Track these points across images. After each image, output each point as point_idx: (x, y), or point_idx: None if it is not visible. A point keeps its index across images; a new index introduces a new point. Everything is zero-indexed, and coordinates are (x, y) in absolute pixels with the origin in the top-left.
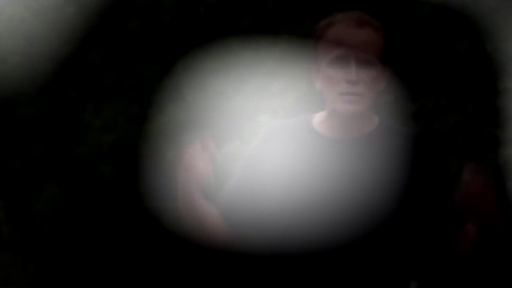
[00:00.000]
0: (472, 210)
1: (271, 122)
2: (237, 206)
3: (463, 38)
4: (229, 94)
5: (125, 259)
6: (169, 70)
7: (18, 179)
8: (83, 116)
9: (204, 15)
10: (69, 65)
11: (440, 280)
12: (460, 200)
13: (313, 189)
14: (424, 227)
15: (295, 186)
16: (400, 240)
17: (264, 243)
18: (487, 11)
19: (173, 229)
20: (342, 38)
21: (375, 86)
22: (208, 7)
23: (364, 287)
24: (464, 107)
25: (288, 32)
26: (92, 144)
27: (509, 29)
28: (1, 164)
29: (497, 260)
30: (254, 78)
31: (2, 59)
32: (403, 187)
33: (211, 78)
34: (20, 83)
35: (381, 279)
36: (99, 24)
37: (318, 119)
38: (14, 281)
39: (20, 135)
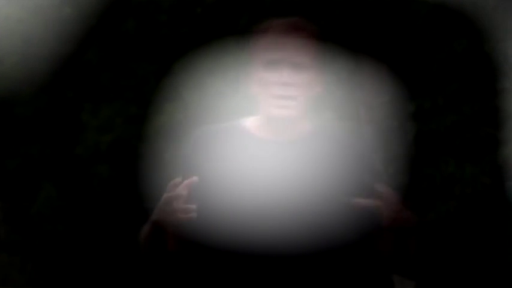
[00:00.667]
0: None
1: (201, 127)
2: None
3: (460, 38)
4: (226, 94)
5: (121, 259)
6: (167, 70)
7: (16, 179)
8: (80, 116)
9: (201, 16)
10: (67, 65)
11: (438, 280)
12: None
13: (249, 191)
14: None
15: (231, 189)
16: (340, 238)
17: (208, 246)
18: (484, 11)
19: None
20: (276, 43)
21: (308, 89)
22: (205, 7)
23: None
24: (462, 107)
25: None
26: (89, 144)
27: (507, 29)
28: None
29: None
30: None
31: (0, 59)
32: (336, 187)
33: (208, 78)
34: (17, 83)
35: (325, 277)
36: (96, 24)
37: (252, 122)
38: (12, 280)
39: (18, 135)
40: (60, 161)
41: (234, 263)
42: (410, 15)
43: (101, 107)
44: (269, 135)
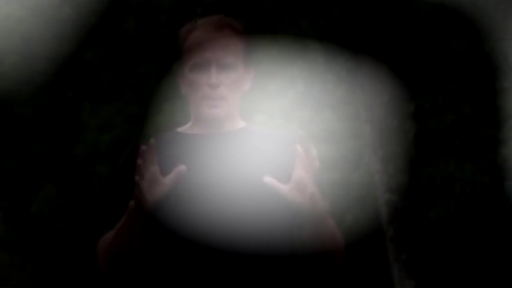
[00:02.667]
0: None
1: (132, 143)
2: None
3: (460, 38)
4: None
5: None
6: (167, 70)
7: (16, 179)
8: (80, 116)
9: (201, 15)
10: (67, 65)
11: (438, 279)
12: None
13: (182, 185)
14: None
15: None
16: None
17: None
18: (484, 11)
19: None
20: (201, 43)
21: (237, 88)
22: (205, 7)
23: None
24: (461, 106)
25: (284, 32)
26: (89, 144)
27: (506, 28)
28: None
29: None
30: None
31: None
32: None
33: None
34: (17, 82)
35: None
36: (96, 24)
37: (183, 126)
38: (12, 280)
39: (17, 135)
40: (60, 161)
41: (179, 255)
42: (410, 15)
43: (101, 107)
44: (199, 131)
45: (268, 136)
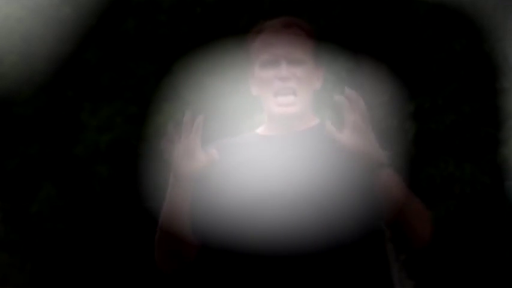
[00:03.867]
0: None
1: (214, 142)
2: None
3: (460, 38)
4: (226, 94)
5: (121, 258)
6: (167, 70)
7: (15, 179)
8: (79, 116)
9: (201, 16)
10: (66, 65)
11: (437, 279)
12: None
13: (256, 187)
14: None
15: (239, 187)
16: (353, 231)
17: (227, 244)
18: (484, 10)
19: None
20: (271, 42)
21: (308, 83)
22: (205, 7)
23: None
24: (461, 106)
25: None
26: (88, 144)
27: (506, 28)
28: None
29: None
30: None
31: None
32: (340, 180)
33: (208, 78)
34: (17, 82)
35: (333, 275)
36: (96, 24)
37: (262, 127)
38: (12, 280)
39: (17, 134)
40: (60, 161)
41: (246, 261)
42: (409, 14)
43: (101, 107)
44: (274, 131)
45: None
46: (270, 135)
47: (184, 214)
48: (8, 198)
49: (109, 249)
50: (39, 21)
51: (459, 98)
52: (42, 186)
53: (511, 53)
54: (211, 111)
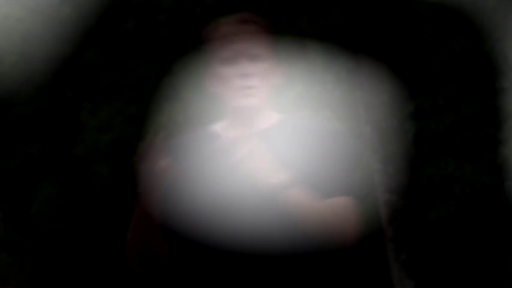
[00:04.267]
0: None
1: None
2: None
3: (460, 38)
4: None
5: (121, 258)
6: (167, 70)
7: (15, 179)
8: (79, 116)
9: (200, 16)
10: (66, 65)
11: (437, 279)
12: None
13: (221, 190)
14: None
15: (203, 191)
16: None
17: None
18: (484, 10)
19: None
20: (229, 38)
21: (268, 79)
22: (205, 7)
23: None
24: (461, 106)
25: (284, 32)
26: (88, 144)
27: (506, 28)
28: None
29: None
30: None
31: None
32: (307, 174)
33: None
34: (16, 82)
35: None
36: (96, 24)
37: (219, 124)
38: (12, 280)
39: (17, 134)
40: (60, 161)
41: (213, 258)
42: (409, 14)
43: (101, 107)
44: (234, 131)
45: (303, 129)
46: (230, 136)
47: (156, 214)
48: (8, 198)
49: (109, 249)
50: (39, 21)
51: (459, 98)
52: (42, 186)
53: (511, 53)
54: (210, 111)
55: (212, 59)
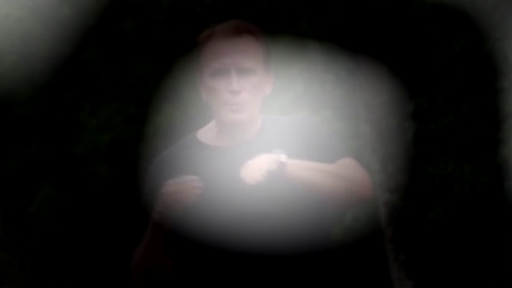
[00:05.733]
0: None
1: (155, 158)
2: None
3: (459, 38)
4: None
5: (120, 258)
6: (166, 70)
7: (14, 179)
8: (79, 116)
9: (200, 16)
10: (66, 65)
11: (437, 279)
12: None
13: (213, 200)
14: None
15: (198, 201)
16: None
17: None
18: (483, 10)
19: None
20: (220, 49)
21: (258, 92)
22: (204, 7)
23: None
24: (460, 106)
25: (283, 32)
26: (88, 144)
27: (505, 28)
28: None
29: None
30: None
31: None
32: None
33: None
34: (16, 82)
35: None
36: (95, 24)
37: (204, 132)
38: (11, 280)
39: (16, 135)
40: (59, 161)
41: (217, 266)
42: (409, 14)
43: (100, 107)
44: (221, 141)
45: (286, 131)
46: (217, 146)
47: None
48: (7, 198)
49: (108, 249)
50: (38, 21)
51: (458, 98)
52: (41, 186)
53: (510, 53)
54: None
55: (203, 68)
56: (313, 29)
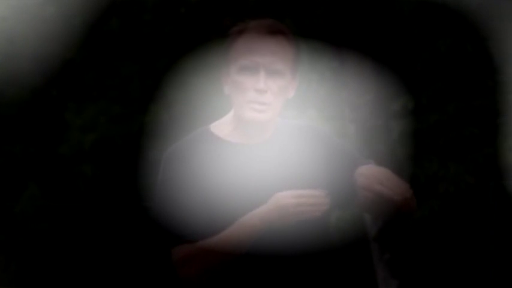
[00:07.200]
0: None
1: (169, 148)
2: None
3: (444, 37)
4: (210, 94)
5: (105, 258)
6: (151, 70)
7: None
8: (64, 115)
9: (185, 15)
10: (51, 64)
11: (421, 279)
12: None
13: (228, 197)
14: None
15: (212, 198)
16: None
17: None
18: (469, 10)
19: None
20: (252, 47)
21: (282, 95)
22: (189, 7)
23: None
24: (445, 106)
25: None
26: (73, 143)
27: (491, 28)
28: None
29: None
30: None
31: None
32: (318, 178)
33: (192, 78)
34: (0, 82)
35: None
36: (80, 23)
37: (219, 126)
38: None
39: (1, 134)
40: (44, 160)
41: (241, 267)
42: (394, 13)
43: (85, 106)
44: (239, 138)
45: (298, 131)
46: (236, 143)
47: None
48: None
49: (93, 249)
50: (23, 20)
51: (443, 97)
52: (27, 186)
53: (495, 52)
54: (195, 111)
55: (230, 62)
56: (298, 28)
